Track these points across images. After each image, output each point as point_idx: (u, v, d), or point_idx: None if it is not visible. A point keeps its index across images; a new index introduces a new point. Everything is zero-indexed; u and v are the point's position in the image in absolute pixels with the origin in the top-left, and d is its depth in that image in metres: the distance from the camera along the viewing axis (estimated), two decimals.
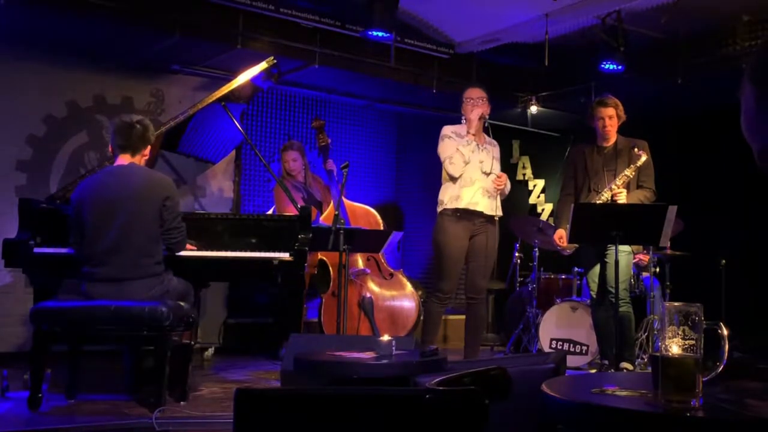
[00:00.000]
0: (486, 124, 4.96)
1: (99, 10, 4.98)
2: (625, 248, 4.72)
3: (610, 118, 4.81)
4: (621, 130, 4.89)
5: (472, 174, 4.81)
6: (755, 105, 0.98)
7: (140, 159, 3.92)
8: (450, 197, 4.82)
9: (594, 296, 4.89)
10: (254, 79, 4.78)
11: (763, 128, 0.97)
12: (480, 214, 4.82)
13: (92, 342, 4.05)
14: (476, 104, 4.88)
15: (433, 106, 7.18)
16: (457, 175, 4.80)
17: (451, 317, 6.77)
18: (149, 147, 3.97)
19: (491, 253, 4.90)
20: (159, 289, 3.75)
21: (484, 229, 4.85)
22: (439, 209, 4.89)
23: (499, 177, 4.83)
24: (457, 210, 4.80)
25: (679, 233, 5.51)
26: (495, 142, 5.08)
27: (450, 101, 6.80)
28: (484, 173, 4.85)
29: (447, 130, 4.94)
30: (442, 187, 4.92)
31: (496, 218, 4.91)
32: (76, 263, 3.83)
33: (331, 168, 6.00)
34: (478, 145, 4.88)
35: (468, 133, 4.86)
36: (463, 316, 5.18)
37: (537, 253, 6.26)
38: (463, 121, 4.96)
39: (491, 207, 4.84)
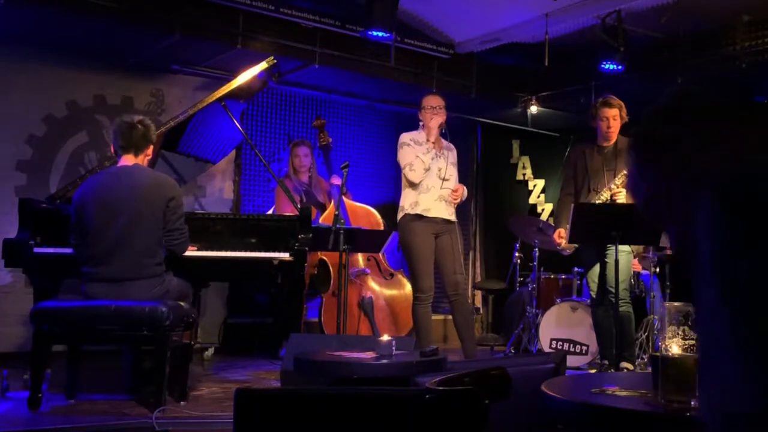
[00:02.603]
0: (443, 131, 5.00)
1: (99, 10, 4.98)
2: (625, 248, 4.72)
3: (614, 119, 4.81)
4: (621, 130, 4.89)
5: (428, 181, 4.88)
6: (635, 170, 1.23)
7: (143, 159, 3.92)
8: (410, 203, 4.90)
9: (594, 296, 4.89)
10: (259, 75, 4.80)
11: (641, 186, 1.20)
12: (437, 219, 4.89)
13: (92, 342, 4.05)
14: (435, 112, 4.93)
15: None
16: (416, 182, 4.87)
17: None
18: (151, 147, 3.97)
19: (457, 250, 4.97)
20: (160, 289, 3.75)
21: (446, 229, 4.93)
22: (399, 215, 4.96)
23: (455, 191, 4.92)
24: (416, 215, 4.87)
25: None
26: (452, 147, 5.13)
27: (450, 101, 6.77)
28: (442, 179, 4.92)
29: (405, 137, 5.01)
30: (402, 194, 5.00)
31: (454, 222, 4.98)
32: (76, 263, 3.83)
33: (336, 183, 5.95)
34: (436, 152, 4.94)
35: (428, 140, 4.91)
36: None
37: (537, 253, 6.25)
38: (421, 127, 4.98)
39: (448, 212, 4.93)
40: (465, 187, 5.05)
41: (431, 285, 4.93)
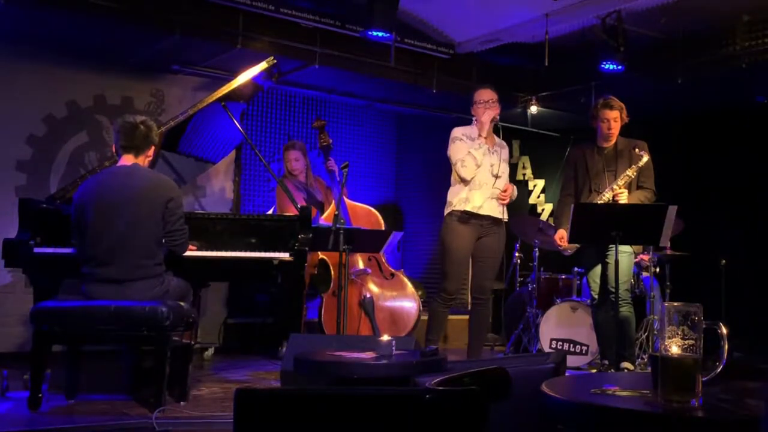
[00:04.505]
0: (499, 126, 4.97)
1: (99, 10, 4.98)
2: (626, 249, 4.72)
3: (615, 120, 4.80)
4: (621, 130, 4.89)
5: (481, 177, 4.82)
6: None
7: (144, 160, 3.92)
8: (459, 199, 4.83)
9: (595, 296, 4.89)
10: (255, 78, 4.79)
11: None
12: (487, 217, 4.84)
13: (92, 342, 4.04)
14: (488, 107, 4.88)
15: (433, 106, 7.18)
16: (468, 178, 4.80)
17: (451, 317, 6.74)
18: (153, 148, 3.96)
19: (498, 255, 4.94)
20: (159, 289, 3.75)
21: (492, 230, 4.88)
22: (447, 210, 4.90)
23: (503, 191, 4.85)
24: (465, 212, 4.81)
25: (679, 233, 5.51)
26: (504, 144, 5.09)
27: (450, 101, 6.80)
28: (494, 176, 4.86)
29: (458, 132, 4.94)
30: (451, 189, 4.93)
31: (503, 221, 4.93)
32: (76, 263, 3.83)
33: (332, 168, 6.00)
34: (488, 148, 4.89)
35: (479, 136, 4.86)
36: (464, 316, 5.20)
37: (537, 253, 6.25)
38: (474, 122, 4.95)
39: (499, 210, 4.87)
40: (515, 187, 4.98)
41: (458, 289, 4.92)
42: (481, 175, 4.82)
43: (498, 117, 4.93)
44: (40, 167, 5.78)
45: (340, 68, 6.08)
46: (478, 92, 4.99)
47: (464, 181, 4.82)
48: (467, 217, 4.81)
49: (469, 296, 5.19)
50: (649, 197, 4.77)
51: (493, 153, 4.90)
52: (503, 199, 4.85)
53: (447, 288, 4.87)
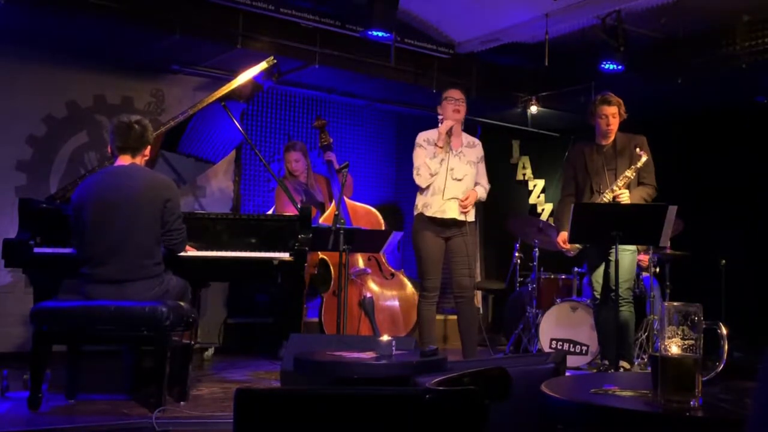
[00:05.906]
0: (462, 127, 4.99)
1: (99, 10, 4.98)
2: (629, 248, 4.71)
3: (614, 116, 4.80)
4: (620, 129, 4.89)
5: (440, 183, 4.85)
6: None
7: (141, 159, 3.92)
8: (422, 204, 4.90)
9: (597, 296, 4.88)
10: (255, 78, 4.80)
11: None
12: (449, 221, 4.87)
13: (92, 342, 4.04)
14: (457, 105, 4.89)
15: (433, 106, 7.11)
16: (423, 186, 4.87)
17: (451, 317, 6.76)
18: (149, 147, 3.96)
19: (470, 253, 4.96)
20: (159, 289, 3.75)
21: (459, 232, 4.91)
22: (414, 213, 4.97)
23: (463, 200, 4.85)
24: (427, 217, 4.86)
25: (679, 233, 5.51)
26: (475, 142, 5.08)
27: None
28: (455, 179, 4.87)
29: (420, 137, 4.99)
30: (417, 193, 4.97)
31: (467, 222, 4.94)
32: (76, 263, 3.83)
33: (330, 159, 6.01)
34: (452, 150, 4.90)
35: (436, 145, 4.87)
36: None
37: (537, 253, 6.25)
38: (440, 122, 4.96)
39: (461, 213, 4.88)
40: (477, 191, 4.94)
41: (436, 286, 4.96)
42: (439, 180, 4.84)
43: (460, 121, 4.94)
44: (40, 167, 5.78)
45: (340, 68, 6.08)
46: (448, 90, 5.05)
47: (421, 188, 4.89)
48: (429, 221, 4.86)
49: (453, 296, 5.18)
50: (650, 193, 4.76)
51: (456, 156, 4.91)
52: (463, 208, 4.86)
53: (426, 286, 4.94)
